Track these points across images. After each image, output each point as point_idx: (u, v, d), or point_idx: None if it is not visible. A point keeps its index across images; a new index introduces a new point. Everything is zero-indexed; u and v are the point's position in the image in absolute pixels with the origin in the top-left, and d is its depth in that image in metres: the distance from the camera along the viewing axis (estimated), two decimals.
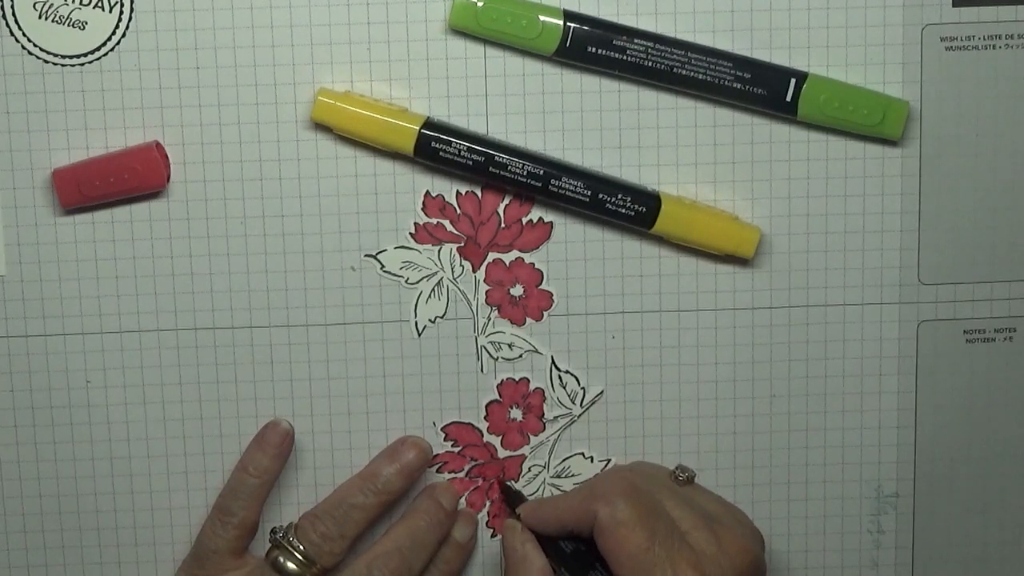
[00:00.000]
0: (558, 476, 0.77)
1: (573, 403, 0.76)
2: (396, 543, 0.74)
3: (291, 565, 0.72)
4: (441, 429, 0.76)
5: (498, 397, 0.76)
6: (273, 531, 0.74)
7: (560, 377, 0.76)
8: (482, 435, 0.77)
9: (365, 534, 0.74)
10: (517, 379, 0.76)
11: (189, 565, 0.75)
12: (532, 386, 0.76)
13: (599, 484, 0.72)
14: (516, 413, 0.76)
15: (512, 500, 0.76)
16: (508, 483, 0.77)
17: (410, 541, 0.74)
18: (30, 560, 0.77)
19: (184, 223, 0.74)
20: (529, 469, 0.77)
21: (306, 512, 0.74)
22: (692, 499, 0.73)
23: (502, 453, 0.77)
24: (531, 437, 0.77)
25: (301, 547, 0.73)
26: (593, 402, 0.76)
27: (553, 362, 0.76)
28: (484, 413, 0.76)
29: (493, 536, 0.78)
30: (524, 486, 0.77)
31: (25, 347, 0.75)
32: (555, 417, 0.77)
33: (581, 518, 0.71)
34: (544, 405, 0.76)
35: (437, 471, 0.77)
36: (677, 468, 0.75)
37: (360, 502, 0.74)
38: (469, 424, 0.76)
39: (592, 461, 0.77)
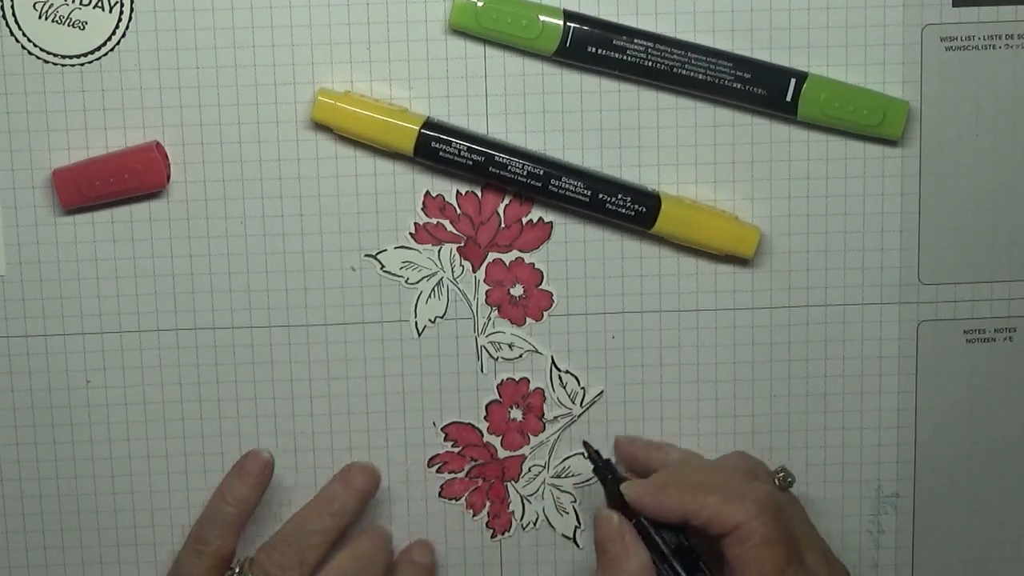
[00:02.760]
0: (558, 476, 0.77)
1: (573, 403, 0.76)
2: (342, 569, 0.72)
3: None
4: (441, 429, 0.76)
5: (498, 397, 0.76)
6: (231, 569, 0.73)
7: (560, 377, 0.76)
8: (482, 435, 0.77)
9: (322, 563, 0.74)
10: (517, 379, 0.76)
11: None
12: (532, 386, 0.76)
13: (734, 485, 0.69)
14: (516, 413, 0.76)
15: (602, 472, 0.72)
16: (597, 449, 0.73)
17: (355, 564, 0.73)
18: (30, 560, 0.77)
19: (184, 223, 0.74)
20: (529, 469, 0.77)
21: (262, 544, 0.73)
22: (799, 512, 0.72)
23: (502, 453, 0.77)
24: (531, 437, 0.77)
25: None
26: (593, 402, 0.76)
27: (553, 362, 0.76)
28: (484, 413, 0.76)
29: (493, 537, 0.78)
30: (524, 486, 0.77)
31: (25, 347, 0.75)
32: (555, 417, 0.77)
33: (714, 520, 0.68)
34: (544, 405, 0.76)
35: (437, 471, 0.77)
36: (781, 471, 0.73)
37: (319, 527, 0.73)
38: (469, 424, 0.76)
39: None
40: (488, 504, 0.77)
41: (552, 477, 0.77)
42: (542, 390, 0.76)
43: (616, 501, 0.71)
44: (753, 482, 0.71)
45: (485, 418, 0.76)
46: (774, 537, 0.67)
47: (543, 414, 0.77)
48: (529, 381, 0.76)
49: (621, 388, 0.76)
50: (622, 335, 0.76)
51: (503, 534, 0.77)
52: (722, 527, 0.68)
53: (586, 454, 0.73)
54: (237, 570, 0.72)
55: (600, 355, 0.76)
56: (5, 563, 0.77)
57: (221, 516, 0.73)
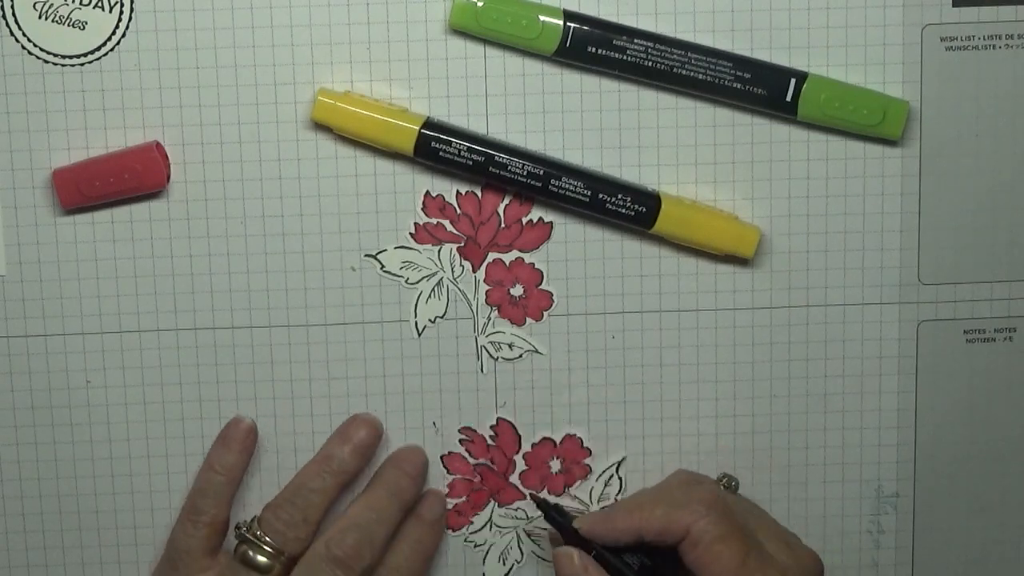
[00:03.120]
0: (529, 535, 0.77)
1: (597, 502, 0.76)
2: (354, 519, 0.73)
3: (260, 558, 0.72)
4: (491, 427, 0.76)
5: (558, 441, 0.76)
6: (237, 526, 0.74)
7: (620, 479, 0.76)
8: (516, 451, 0.76)
9: (329, 516, 0.74)
10: (583, 444, 0.76)
11: (162, 569, 0.74)
12: (588, 461, 0.76)
13: (678, 495, 0.71)
14: (555, 465, 0.76)
15: (552, 517, 0.74)
16: (544, 497, 0.76)
17: (370, 514, 0.73)
18: (30, 560, 0.77)
19: (184, 223, 0.74)
20: (517, 508, 0.77)
21: (268, 503, 0.74)
22: (751, 506, 0.74)
23: (513, 479, 0.77)
24: (545, 491, 0.77)
25: (267, 538, 0.72)
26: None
27: (622, 462, 0.76)
28: (536, 440, 0.76)
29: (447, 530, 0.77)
30: (501, 515, 0.77)
31: (25, 347, 0.75)
32: (576, 495, 0.77)
33: (666, 529, 0.70)
34: (579, 482, 0.76)
35: (459, 442, 0.76)
36: (724, 477, 0.75)
37: (319, 486, 0.73)
38: (517, 434, 0.76)
39: None
40: (463, 499, 0.77)
41: (524, 530, 0.77)
42: (590, 470, 0.76)
43: (571, 540, 0.73)
44: (698, 486, 0.72)
45: (533, 445, 0.76)
46: (726, 532, 0.69)
47: (571, 487, 0.77)
48: (591, 454, 0.76)
49: (621, 388, 0.76)
50: (622, 335, 0.76)
51: (448, 530, 0.77)
52: (675, 534, 0.70)
53: (535, 504, 0.75)
54: (244, 529, 0.73)
55: (600, 355, 0.76)
56: (5, 563, 0.77)
57: (212, 486, 0.74)
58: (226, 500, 0.74)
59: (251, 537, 0.73)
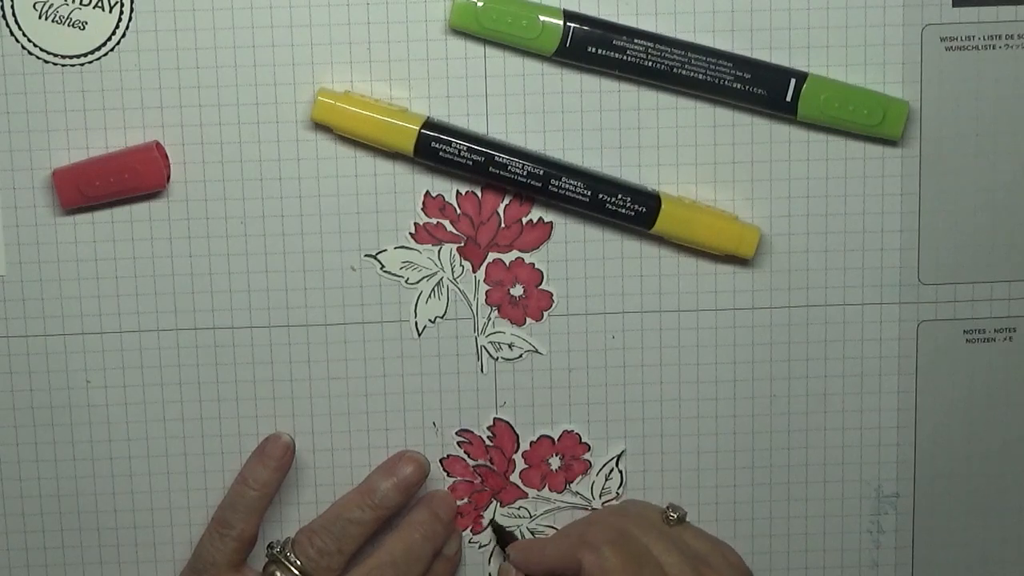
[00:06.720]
0: (532, 532, 0.77)
1: (600, 496, 0.76)
2: (391, 555, 0.73)
3: None
4: (488, 428, 0.76)
5: (555, 438, 0.76)
6: (270, 545, 0.73)
7: (612, 471, 0.76)
8: (514, 450, 0.76)
9: (363, 547, 0.74)
10: (581, 439, 0.76)
11: None
12: (587, 456, 0.76)
13: (587, 530, 0.72)
14: (555, 462, 0.76)
15: (503, 539, 0.76)
16: (500, 524, 0.77)
17: (405, 554, 0.73)
18: (30, 560, 0.77)
19: (184, 223, 0.74)
20: (520, 507, 0.77)
21: (303, 527, 0.74)
22: (682, 541, 0.73)
23: (513, 478, 0.77)
24: (547, 488, 0.77)
25: (298, 562, 0.72)
26: (609, 501, 0.77)
27: (622, 456, 0.76)
28: (535, 439, 0.76)
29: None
30: (504, 516, 0.77)
31: (25, 347, 0.75)
32: (577, 491, 0.77)
33: (568, 564, 0.71)
34: (581, 478, 0.76)
35: (459, 444, 0.76)
36: (668, 507, 0.75)
37: (357, 517, 0.73)
38: (515, 433, 0.76)
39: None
40: (466, 500, 0.77)
41: (528, 527, 0.77)
42: (590, 465, 0.76)
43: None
44: (594, 525, 0.73)
45: (531, 443, 0.76)
46: (613, 567, 0.70)
47: (572, 483, 0.76)
48: (590, 448, 0.76)
49: (621, 388, 0.76)
50: (622, 335, 0.76)
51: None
52: (575, 570, 0.71)
53: (495, 537, 0.76)
54: (277, 549, 0.73)
55: (600, 355, 0.76)
56: (5, 563, 0.77)
57: (243, 500, 0.74)
58: (256, 516, 0.74)
59: (282, 559, 0.73)
